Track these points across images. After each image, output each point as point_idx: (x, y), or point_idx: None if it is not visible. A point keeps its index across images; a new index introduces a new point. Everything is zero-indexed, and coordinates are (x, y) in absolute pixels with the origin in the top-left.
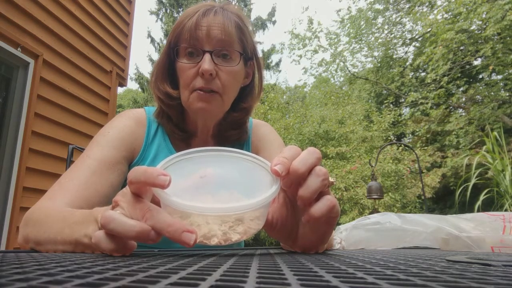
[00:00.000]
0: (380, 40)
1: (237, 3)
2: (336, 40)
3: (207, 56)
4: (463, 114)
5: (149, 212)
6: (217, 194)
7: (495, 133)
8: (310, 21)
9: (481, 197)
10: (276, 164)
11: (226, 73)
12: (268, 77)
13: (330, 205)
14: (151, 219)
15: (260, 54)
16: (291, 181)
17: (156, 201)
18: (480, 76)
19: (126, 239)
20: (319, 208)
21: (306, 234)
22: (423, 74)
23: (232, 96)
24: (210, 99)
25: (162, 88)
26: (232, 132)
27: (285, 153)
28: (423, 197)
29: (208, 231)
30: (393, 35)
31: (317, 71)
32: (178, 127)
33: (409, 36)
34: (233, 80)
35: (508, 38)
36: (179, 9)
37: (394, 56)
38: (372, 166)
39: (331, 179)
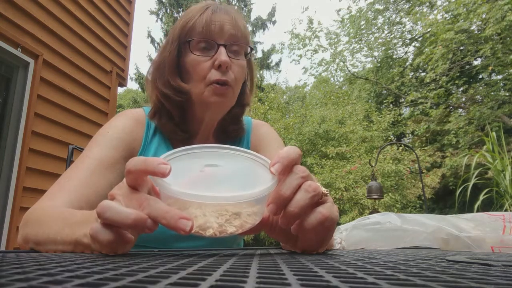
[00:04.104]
0: (380, 40)
1: (237, 3)
2: (336, 40)
3: (222, 49)
4: (463, 114)
5: (146, 201)
6: (216, 187)
7: (494, 133)
8: (310, 21)
9: (481, 197)
10: (274, 163)
11: (237, 66)
12: (268, 77)
13: (321, 219)
14: (147, 208)
15: (259, 54)
16: (278, 206)
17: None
18: (480, 76)
19: (123, 229)
20: (310, 221)
21: (306, 237)
22: (423, 74)
23: (239, 90)
24: (225, 92)
25: (174, 83)
26: (233, 127)
27: (284, 152)
28: (423, 198)
29: (204, 222)
30: (393, 35)
31: (317, 71)
32: (179, 127)
33: (409, 36)
34: (242, 74)
35: (508, 38)
36: (179, 9)
37: (394, 56)
38: (372, 166)
39: (324, 190)
